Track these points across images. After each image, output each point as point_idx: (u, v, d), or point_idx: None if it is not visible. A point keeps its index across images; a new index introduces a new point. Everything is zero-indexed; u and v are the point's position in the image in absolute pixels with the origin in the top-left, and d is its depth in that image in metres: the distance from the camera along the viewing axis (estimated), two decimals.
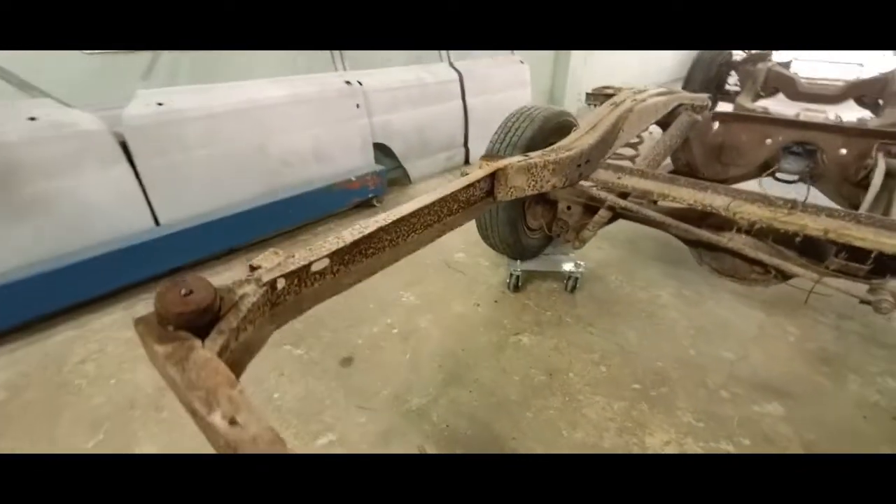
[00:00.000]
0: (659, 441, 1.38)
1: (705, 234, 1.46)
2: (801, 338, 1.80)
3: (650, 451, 1.35)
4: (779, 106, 3.95)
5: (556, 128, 1.88)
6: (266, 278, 0.70)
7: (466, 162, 3.89)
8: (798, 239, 1.24)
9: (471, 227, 2.75)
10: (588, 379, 1.61)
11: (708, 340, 1.79)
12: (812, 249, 1.34)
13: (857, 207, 1.63)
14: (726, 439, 1.38)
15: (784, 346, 1.77)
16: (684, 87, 4.63)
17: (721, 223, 1.44)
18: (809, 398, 1.53)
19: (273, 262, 0.73)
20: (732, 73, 4.44)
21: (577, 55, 5.29)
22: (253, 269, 0.72)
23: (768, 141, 1.76)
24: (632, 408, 1.49)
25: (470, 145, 3.82)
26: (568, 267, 2.06)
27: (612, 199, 1.58)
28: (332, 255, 0.79)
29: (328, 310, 1.93)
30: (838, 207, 1.22)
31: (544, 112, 1.87)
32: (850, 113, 3.65)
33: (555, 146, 1.48)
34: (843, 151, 1.64)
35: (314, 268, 0.77)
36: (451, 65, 3.54)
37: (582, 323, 1.88)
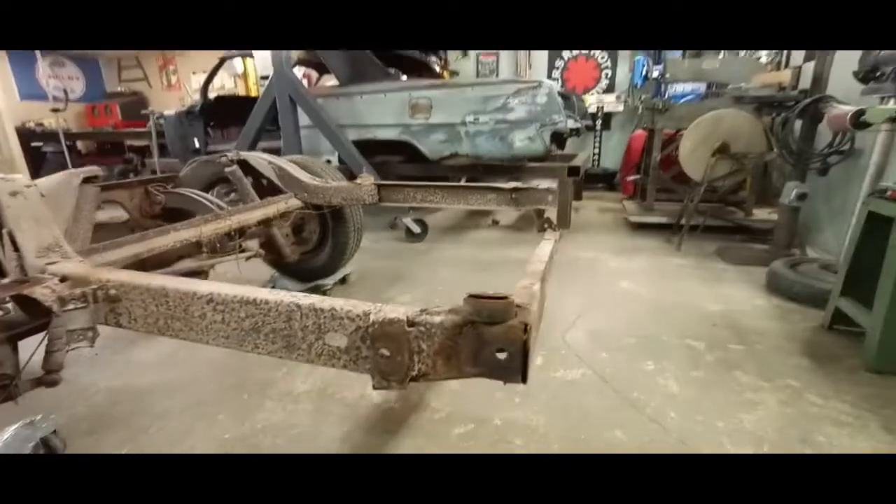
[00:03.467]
0: None
1: (171, 272, 1.73)
2: None
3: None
4: None
5: None
6: None
7: None
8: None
9: None
10: None
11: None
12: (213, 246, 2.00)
13: None
14: None
15: None
16: None
17: (169, 256, 1.75)
18: None
19: None
20: None
21: None
22: None
23: None
24: None
25: None
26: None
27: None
28: None
29: None
30: (225, 208, 1.95)
31: None
32: None
33: (54, 251, 1.15)
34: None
35: None
36: None
37: None
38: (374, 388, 0.76)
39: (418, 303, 2.70)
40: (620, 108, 7.27)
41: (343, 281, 3.01)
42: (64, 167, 6.21)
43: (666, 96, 5.49)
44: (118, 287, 0.95)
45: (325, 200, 2.36)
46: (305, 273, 2.81)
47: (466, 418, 1.66)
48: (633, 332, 2.28)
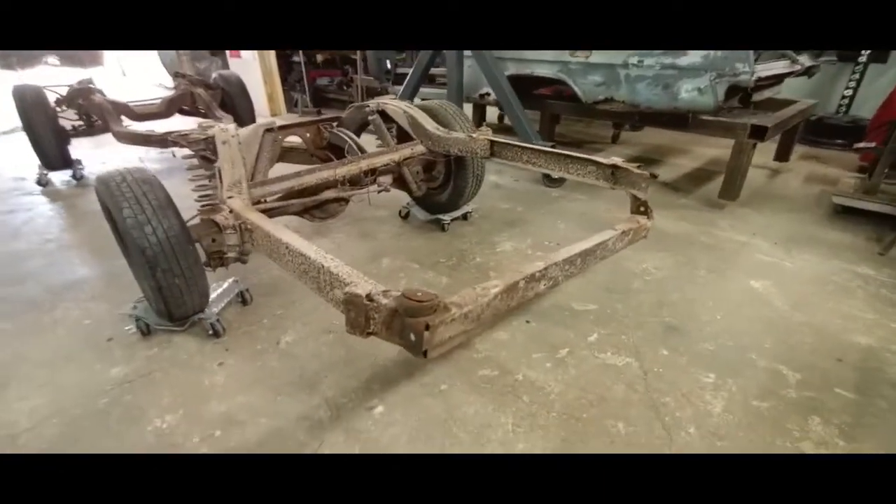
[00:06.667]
0: None
1: (315, 200, 2.38)
2: (372, 232, 3.21)
3: None
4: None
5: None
6: None
7: None
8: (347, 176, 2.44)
9: None
10: None
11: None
12: (353, 180, 2.61)
13: (330, 159, 3.01)
14: None
15: (382, 238, 3.12)
16: None
17: (315, 188, 2.39)
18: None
19: None
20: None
21: None
22: None
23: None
24: None
25: None
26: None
27: (265, 207, 2.10)
28: None
29: None
30: (365, 151, 2.52)
31: (141, 172, 1.87)
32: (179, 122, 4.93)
33: (235, 187, 1.82)
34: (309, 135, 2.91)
35: None
36: None
37: None
38: (346, 331, 1.15)
39: (517, 254, 2.93)
40: None
41: (465, 217, 3.39)
42: (302, 75, 7.93)
43: None
44: (251, 224, 1.53)
45: (445, 149, 2.68)
46: (431, 206, 3.28)
47: (496, 365, 1.96)
48: (719, 339, 2.10)
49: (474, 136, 2.58)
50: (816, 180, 4.30)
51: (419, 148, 2.72)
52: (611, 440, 1.60)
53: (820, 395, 1.78)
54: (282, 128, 2.48)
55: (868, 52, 5.29)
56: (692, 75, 3.11)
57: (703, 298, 2.43)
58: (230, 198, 1.72)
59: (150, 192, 1.79)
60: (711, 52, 2.99)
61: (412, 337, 1.00)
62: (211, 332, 2.14)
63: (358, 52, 6.61)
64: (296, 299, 2.46)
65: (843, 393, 1.79)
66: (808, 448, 1.56)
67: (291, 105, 8.05)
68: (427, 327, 0.96)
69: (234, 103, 5.23)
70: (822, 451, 1.54)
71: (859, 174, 4.05)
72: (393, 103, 2.74)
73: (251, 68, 7.42)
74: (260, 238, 1.51)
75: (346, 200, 2.62)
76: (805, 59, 3.83)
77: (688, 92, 3.18)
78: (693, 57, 3.09)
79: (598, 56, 3.61)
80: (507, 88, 4.08)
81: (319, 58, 9.94)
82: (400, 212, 3.49)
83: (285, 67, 8.39)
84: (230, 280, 2.39)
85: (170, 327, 2.14)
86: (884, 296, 2.43)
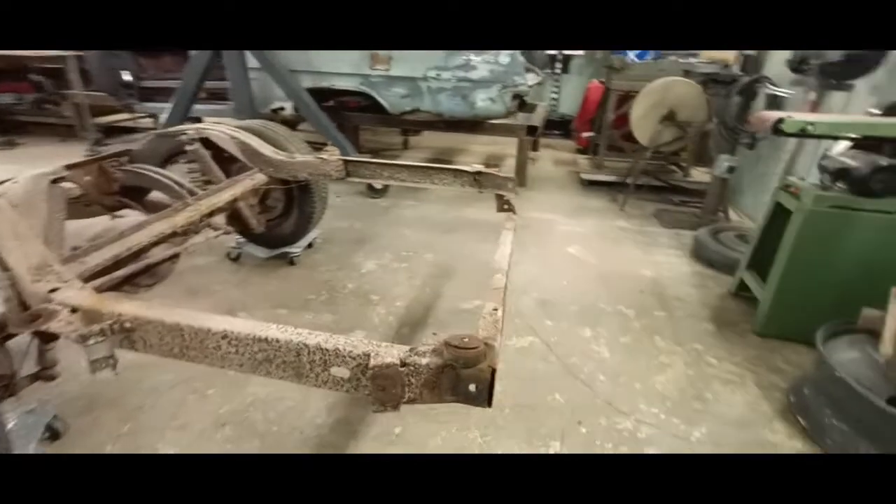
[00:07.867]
0: None
1: (145, 263, 1.77)
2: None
3: None
4: None
5: None
6: None
7: None
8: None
9: None
10: None
11: None
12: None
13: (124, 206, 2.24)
14: None
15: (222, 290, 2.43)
16: None
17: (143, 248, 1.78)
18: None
19: None
20: None
21: None
22: None
23: None
24: None
25: None
26: None
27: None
28: None
29: None
30: (195, 191, 1.96)
31: None
32: None
33: (46, 272, 1.20)
34: None
35: None
36: None
37: None
38: (373, 412, 0.96)
39: (386, 271, 2.88)
40: (580, 52, 7.23)
41: (311, 245, 3.10)
42: None
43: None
44: (132, 320, 1.05)
45: (292, 175, 2.38)
46: (273, 240, 2.86)
47: None
48: (577, 300, 2.61)
49: (324, 157, 2.38)
50: (561, 163, 5.69)
51: (259, 177, 2.33)
52: (559, 412, 1.83)
53: (650, 320, 2.46)
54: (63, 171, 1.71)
55: (561, 65, 7.25)
56: (484, 86, 3.64)
57: (546, 270, 2.95)
58: (53, 291, 1.11)
59: None
60: (496, 67, 3.57)
61: (472, 388, 0.93)
62: None
63: (69, 60, 5.00)
64: (142, 402, 1.81)
65: (658, 313, 2.52)
66: (664, 359, 2.15)
67: None
68: (493, 372, 0.91)
69: None
70: (674, 358, 2.16)
71: (582, 155, 5.57)
72: (216, 128, 2.25)
73: None
74: (156, 336, 1.04)
75: (178, 256, 2.04)
76: (540, 73, 4.98)
77: (483, 101, 3.71)
78: (482, 71, 3.61)
79: (398, 69, 3.80)
80: (311, 102, 3.86)
81: None
82: (229, 254, 2.92)
83: None
84: (19, 411, 1.56)
85: None
86: (640, 240, 3.47)
